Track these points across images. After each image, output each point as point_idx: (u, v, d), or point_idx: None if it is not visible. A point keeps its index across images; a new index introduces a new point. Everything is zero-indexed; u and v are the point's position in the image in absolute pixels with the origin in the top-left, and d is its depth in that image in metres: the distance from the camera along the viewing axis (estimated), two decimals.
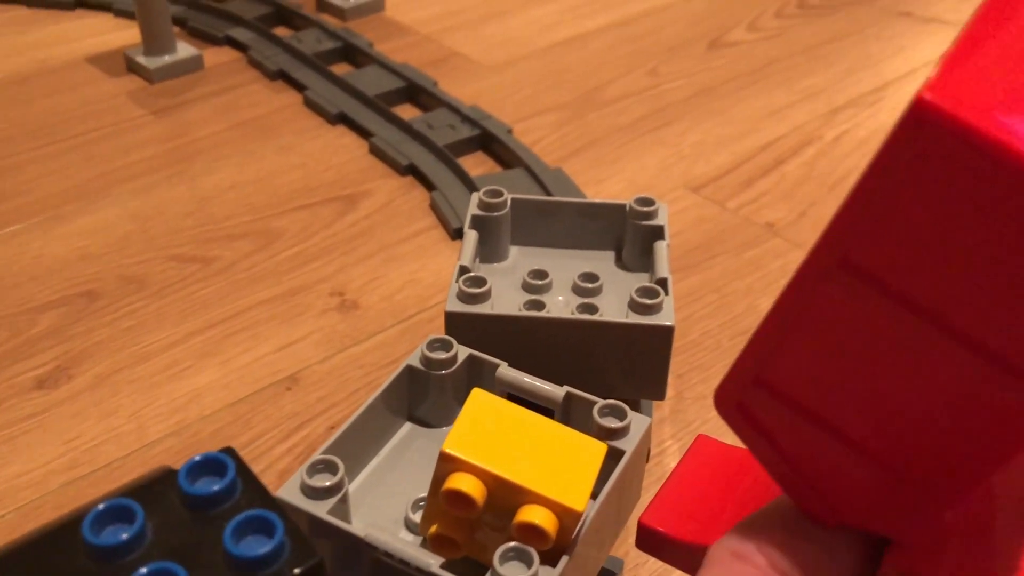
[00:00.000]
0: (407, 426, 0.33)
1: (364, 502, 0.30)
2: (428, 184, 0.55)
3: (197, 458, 0.21)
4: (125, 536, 0.19)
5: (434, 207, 0.53)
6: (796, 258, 0.50)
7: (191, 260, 0.50)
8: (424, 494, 0.28)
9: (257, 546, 0.19)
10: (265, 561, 0.19)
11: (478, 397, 0.27)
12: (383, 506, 0.30)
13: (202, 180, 0.56)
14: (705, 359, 0.44)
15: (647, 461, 0.39)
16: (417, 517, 0.29)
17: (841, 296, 0.18)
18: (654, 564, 0.35)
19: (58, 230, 0.52)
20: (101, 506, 0.20)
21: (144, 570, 0.19)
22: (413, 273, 0.49)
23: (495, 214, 0.39)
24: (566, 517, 0.25)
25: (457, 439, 0.26)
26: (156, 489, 0.21)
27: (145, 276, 0.49)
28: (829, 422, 0.20)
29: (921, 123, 0.15)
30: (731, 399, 0.21)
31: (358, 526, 0.27)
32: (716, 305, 0.47)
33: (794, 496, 0.22)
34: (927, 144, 0.15)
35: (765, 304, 0.47)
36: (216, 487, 0.20)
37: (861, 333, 0.18)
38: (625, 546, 0.35)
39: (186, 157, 0.58)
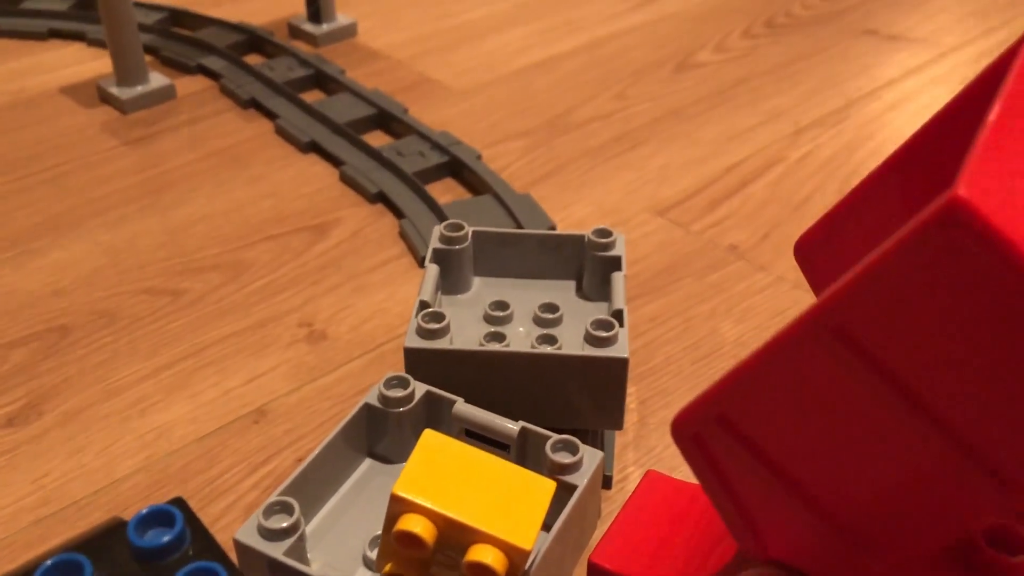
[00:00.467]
0: (367, 463, 0.33)
1: (323, 540, 0.30)
2: (397, 212, 0.55)
3: (145, 510, 0.22)
4: None
5: (403, 235, 0.54)
6: (759, 280, 0.51)
7: (161, 293, 0.50)
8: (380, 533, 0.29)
9: None
10: None
11: (429, 438, 0.28)
12: (342, 544, 0.30)
13: (173, 212, 0.57)
14: (668, 384, 0.45)
15: (610, 488, 0.39)
16: (375, 555, 0.29)
17: (826, 360, 0.18)
18: None
19: (30, 265, 0.52)
20: (49, 562, 0.20)
21: None
22: (381, 303, 0.50)
23: (456, 247, 0.40)
24: (515, 555, 0.26)
25: (407, 481, 0.26)
26: (105, 542, 0.21)
27: (116, 310, 0.49)
28: (786, 472, 0.20)
29: (951, 222, 0.15)
30: (689, 429, 0.22)
31: (316, 566, 0.27)
32: (680, 329, 0.48)
33: (730, 527, 0.23)
34: (954, 241, 0.15)
35: (727, 328, 0.48)
36: (165, 539, 0.21)
37: (838, 397, 0.19)
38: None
39: (158, 189, 0.59)
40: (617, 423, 0.37)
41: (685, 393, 0.44)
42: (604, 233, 0.40)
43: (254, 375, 0.45)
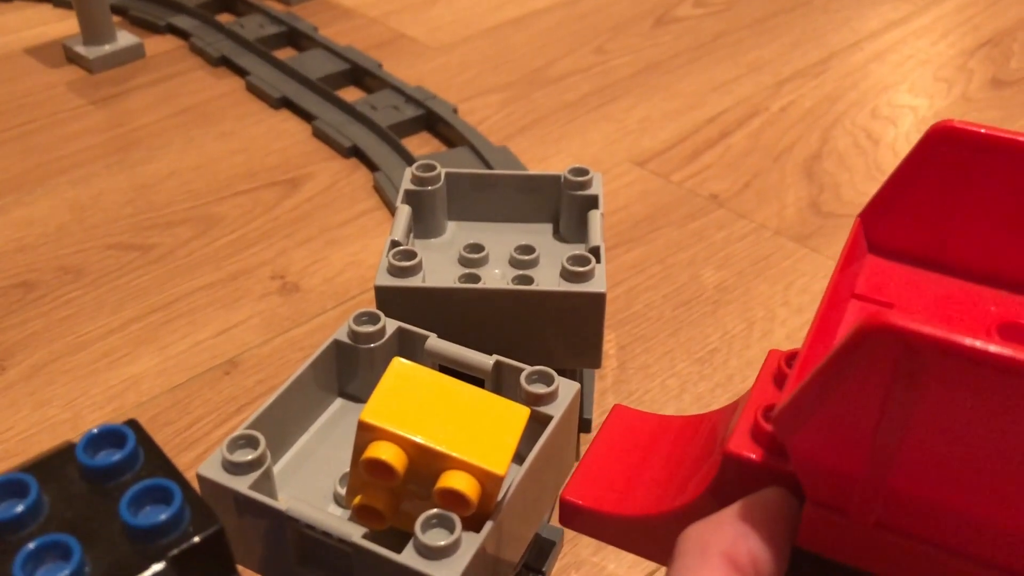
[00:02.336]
0: (338, 402, 0.32)
1: (292, 478, 0.30)
2: (371, 165, 0.54)
3: (95, 430, 0.21)
4: (19, 509, 0.19)
5: (377, 188, 0.53)
6: (740, 228, 0.51)
7: (129, 248, 0.49)
8: None
9: (155, 515, 0.19)
10: (163, 530, 0.19)
11: (398, 366, 0.27)
12: (312, 482, 0.29)
13: (142, 168, 0.55)
14: (647, 330, 0.44)
15: (589, 432, 0.39)
16: (345, 491, 0.28)
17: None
18: None
19: None
20: None
21: (32, 545, 0.18)
22: (355, 255, 0.48)
23: (428, 188, 0.39)
24: (488, 482, 0.25)
25: (375, 407, 0.25)
26: (54, 463, 0.20)
27: (82, 266, 0.48)
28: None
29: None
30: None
31: (283, 501, 0.26)
32: (660, 277, 0.47)
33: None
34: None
35: (708, 274, 0.47)
36: (115, 458, 0.20)
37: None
38: None
39: (126, 146, 0.57)
40: (595, 361, 0.36)
41: (665, 339, 0.44)
42: (580, 172, 0.39)
43: (225, 327, 0.44)
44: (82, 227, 0.50)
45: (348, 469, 0.29)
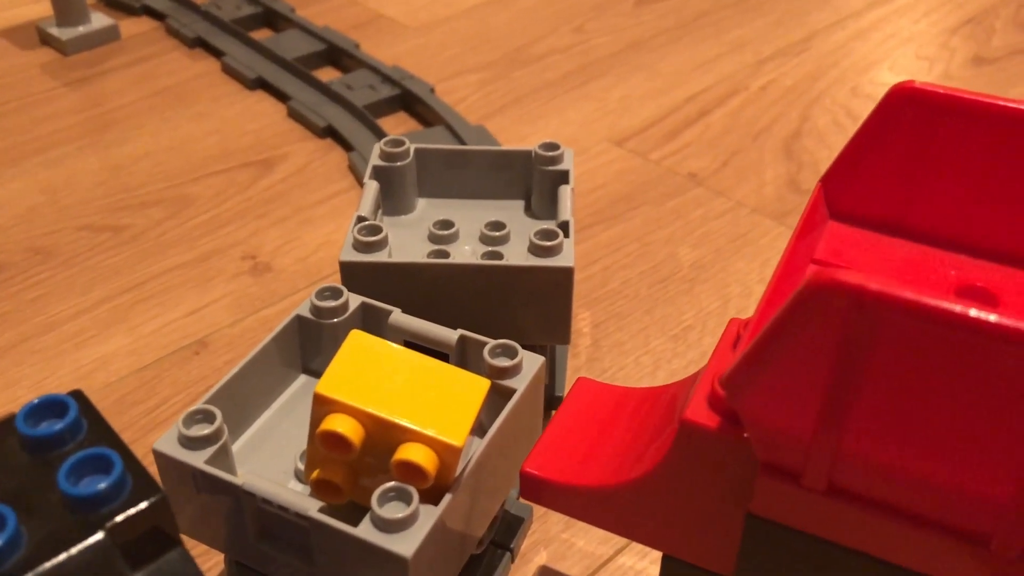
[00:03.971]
0: (301, 378, 0.32)
1: (254, 455, 0.29)
2: (346, 145, 0.54)
3: (36, 401, 0.20)
4: None
5: (352, 168, 0.52)
6: (718, 206, 0.50)
7: (101, 229, 0.48)
8: None
9: (94, 484, 0.19)
10: (102, 499, 0.18)
11: (356, 338, 0.26)
12: (273, 458, 0.29)
13: (115, 150, 0.55)
14: (623, 308, 0.44)
15: (556, 407, 0.38)
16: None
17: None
18: None
19: None
20: None
21: None
22: (328, 235, 0.48)
23: (397, 164, 0.38)
24: (445, 453, 0.25)
25: (332, 380, 0.25)
26: None
27: (53, 247, 0.47)
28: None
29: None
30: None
31: (241, 476, 0.26)
32: (637, 254, 0.47)
33: None
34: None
35: (685, 252, 0.47)
36: (56, 428, 0.20)
37: None
38: None
39: (99, 128, 0.57)
40: (564, 337, 0.35)
41: (640, 316, 0.43)
42: (551, 147, 0.38)
43: (196, 307, 0.43)
44: (54, 208, 0.50)
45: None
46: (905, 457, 0.18)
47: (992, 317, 0.15)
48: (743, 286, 0.45)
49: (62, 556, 0.18)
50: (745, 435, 0.21)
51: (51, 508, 0.19)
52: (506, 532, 0.33)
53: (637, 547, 0.33)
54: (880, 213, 0.24)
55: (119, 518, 0.18)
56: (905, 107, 0.23)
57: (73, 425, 0.20)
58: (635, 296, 0.44)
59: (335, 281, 0.45)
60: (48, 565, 0.18)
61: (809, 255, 0.24)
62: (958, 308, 0.16)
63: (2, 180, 0.52)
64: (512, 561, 0.32)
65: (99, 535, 0.18)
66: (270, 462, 0.29)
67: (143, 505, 0.19)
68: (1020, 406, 0.16)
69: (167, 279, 0.45)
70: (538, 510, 0.34)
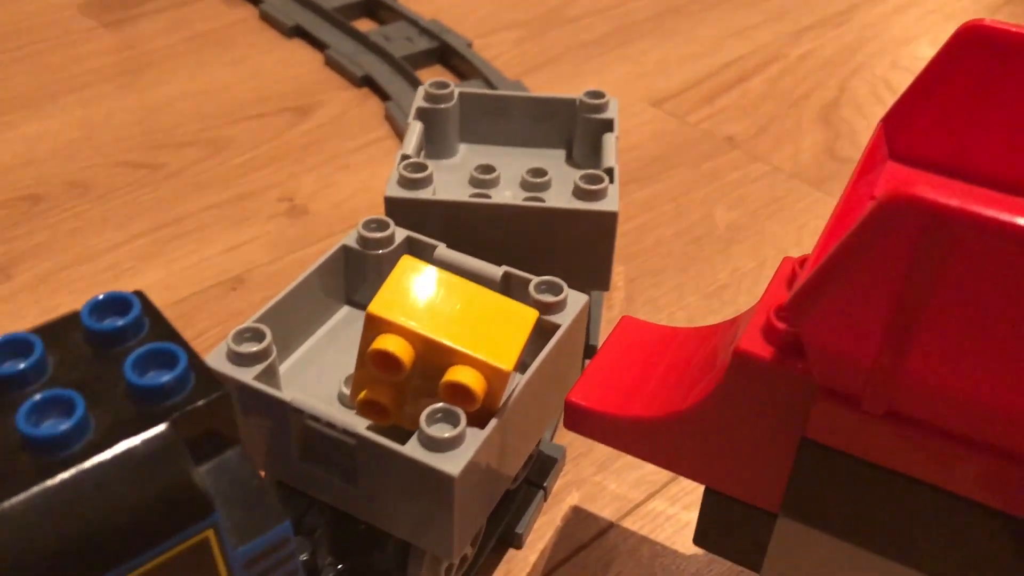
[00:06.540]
0: (344, 309, 0.32)
1: (297, 380, 0.29)
2: (383, 95, 0.54)
3: (101, 296, 0.20)
4: (21, 367, 0.19)
5: (388, 118, 0.52)
6: (755, 170, 0.50)
7: (138, 166, 0.49)
8: None
9: (159, 377, 0.19)
10: (167, 391, 0.19)
11: (407, 262, 0.26)
12: (316, 384, 0.29)
13: (152, 91, 0.55)
14: (657, 264, 0.44)
15: (590, 357, 0.38)
16: (349, 391, 0.28)
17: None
18: (597, 454, 0.35)
19: (1, 136, 0.51)
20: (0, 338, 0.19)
21: (39, 396, 0.18)
22: (364, 182, 0.48)
23: (441, 106, 0.38)
24: (494, 378, 0.25)
25: (384, 301, 0.25)
26: (59, 328, 0.20)
27: (90, 181, 0.47)
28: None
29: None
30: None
31: (287, 393, 0.26)
32: (672, 214, 0.47)
33: None
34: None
35: (720, 213, 0.47)
36: (120, 323, 0.20)
37: None
38: (569, 436, 0.35)
39: (136, 69, 0.57)
40: (604, 283, 0.35)
41: (675, 273, 0.43)
42: (597, 95, 0.38)
43: (233, 245, 0.44)
44: (91, 144, 0.50)
45: (353, 372, 0.29)
46: (969, 381, 0.18)
47: None
48: (779, 249, 0.45)
49: (129, 443, 0.18)
50: (799, 366, 0.21)
51: (116, 398, 0.19)
52: (539, 471, 0.33)
53: (669, 492, 0.33)
54: (941, 155, 0.24)
55: (184, 411, 0.19)
56: (972, 47, 0.23)
57: (136, 322, 0.20)
58: (669, 254, 0.44)
59: None
60: (116, 451, 0.18)
61: (869, 193, 0.24)
62: None
63: (40, 115, 0.52)
64: (544, 500, 0.33)
65: (164, 426, 0.18)
66: (313, 387, 0.29)
67: (207, 400, 0.19)
68: None
69: (203, 217, 0.45)
70: (571, 452, 0.35)
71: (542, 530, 0.32)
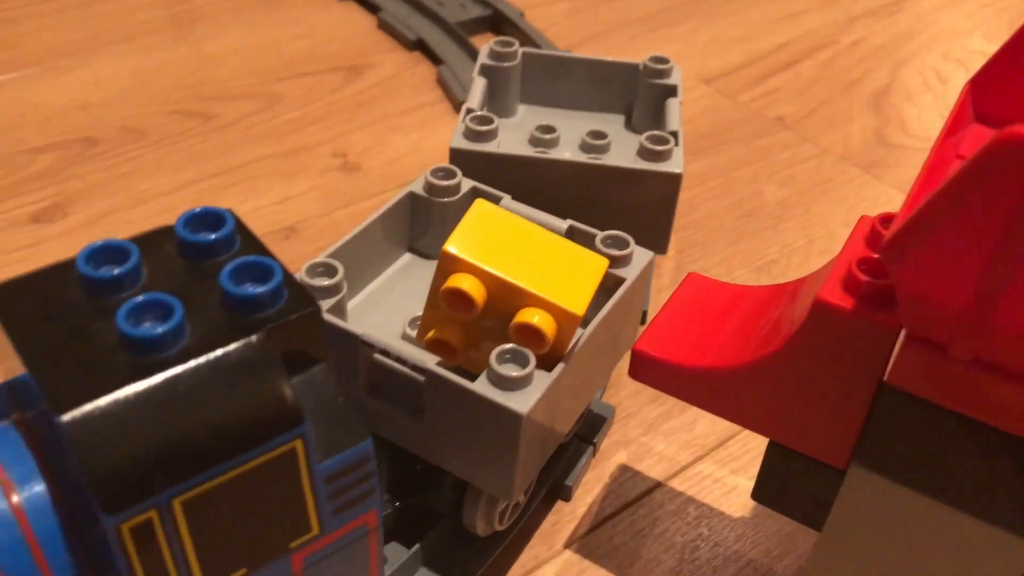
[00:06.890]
0: (407, 256, 0.32)
1: (362, 319, 0.30)
2: (435, 59, 0.54)
3: (197, 210, 0.21)
4: (118, 271, 0.19)
5: (441, 81, 0.52)
6: (804, 151, 0.50)
7: (191, 115, 0.49)
8: (422, 313, 0.28)
9: (254, 288, 0.19)
10: (262, 303, 0.19)
11: (481, 206, 0.27)
12: (381, 323, 0.30)
13: (204, 45, 0.55)
14: (707, 237, 0.44)
15: (645, 324, 0.38)
16: (414, 332, 0.28)
17: None
18: (645, 415, 0.35)
19: (56, 81, 0.51)
20: (97, 244, 0.19)
21: (141, 298, 0.18)
22: (416, 143, 0.48)
23: (505, 64, 0.38)
24: (565, 321, 0.25)
25: (459, 240, 0.25)
26: (154, 238, 0.20)
27: (144, 127, 0.48)
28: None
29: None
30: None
31: (357, 327, 0.26)
32: (722, 189, 0.47)
33: None
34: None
35: (770, 191, 0.47)
36: (213, 236, 0.20)
37: None
38: (618, 397, 0.35)
39: (188, 22, 0.57)
40: (662, 246, 0.35)
41: (724, 247, 0.43)
42: (661, 60, 0.38)
43: (285, 196, 0.44)
44: (145, 92, 0.50)
45: (417, 313, 0.29)
46: None
47: None
48: (827, 229, 0.45)
49: (224, 349, 0.18)
50: (880, 316, 0.21)
51: (211, 307, 0.19)
52: (590, 428, 0.33)
53: (717, 455, 0.33)
54: None
55: (276, 323, 0.19)
56: None
57: (229, 237, 0.20)
58: (719, 228, 0.44)
59: None
60: (211, 356, 0.18)
61: (955, 153, 0.24)
62: None
63: (94, 62, 0.53)
64: (593, 455, 0.33)
65: (257, 335, 0.19)
66: (378, 326, 0.29)
67: (299, 314, 0.19)
68: None
69: (256, 168, 0.46)
70: (619, 413, 0.35)
71: (589, 484, 0.32)
